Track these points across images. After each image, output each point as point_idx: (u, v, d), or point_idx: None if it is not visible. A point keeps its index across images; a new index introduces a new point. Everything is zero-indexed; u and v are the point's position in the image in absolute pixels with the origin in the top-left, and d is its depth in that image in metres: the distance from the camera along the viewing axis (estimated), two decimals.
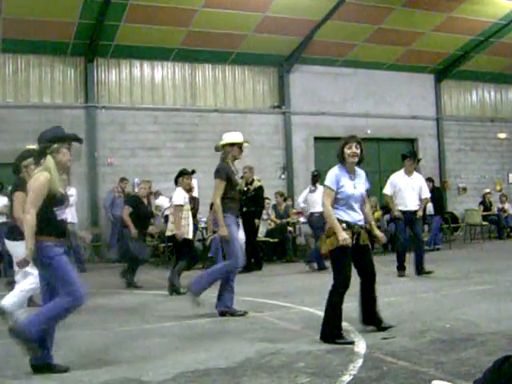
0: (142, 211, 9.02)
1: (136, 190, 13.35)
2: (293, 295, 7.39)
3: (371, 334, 4.96)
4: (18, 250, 5.34)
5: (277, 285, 8.63)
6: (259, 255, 10.96)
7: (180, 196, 7.89)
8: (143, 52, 13.82)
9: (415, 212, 8.80)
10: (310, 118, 15.42)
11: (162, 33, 13.24)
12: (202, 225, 11.84)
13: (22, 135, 12.53)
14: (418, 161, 9.24)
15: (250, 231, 10.29)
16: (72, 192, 11.42)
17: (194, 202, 11.22)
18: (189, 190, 8.24)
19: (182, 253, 7.92)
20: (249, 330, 5.45)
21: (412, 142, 16.90)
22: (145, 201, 9.21)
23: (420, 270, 8.73)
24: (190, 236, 8.10)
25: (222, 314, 6.05)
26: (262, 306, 6.12)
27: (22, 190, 5.20)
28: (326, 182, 4.89)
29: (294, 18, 13.48)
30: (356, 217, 4.92)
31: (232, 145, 6.17)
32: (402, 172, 8.99)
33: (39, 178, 4.06)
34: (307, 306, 6.42)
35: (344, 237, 4.69)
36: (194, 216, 11.30)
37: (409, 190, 8.81)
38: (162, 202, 12.42)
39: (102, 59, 13.72)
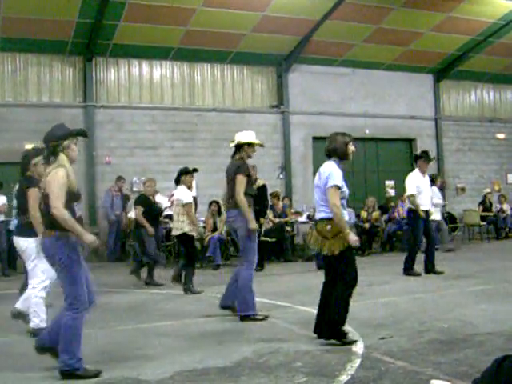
0: (152, 210, 9.07)
1: (134, 188, 13.37)
2: (291, 295, 7.39)
3: (369, 334, 4.96)
4: (30, 246, 5.34)
5: (274, 284, 8.62)
6: (262, 255, 11.02)
7: (187, 194, 7.85)
8: (142, 51, 13.79)
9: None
10: (309, 118, 15.40)
11: (161, 32, 13.21)
12: (201, 224, 11.83)
13: (21, 134, 12.50)
14: (430, 160, 9.21)
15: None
16: None
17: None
18: (188, 188, 8.23)
19: (192, 250, 7.88)
20: (246, 329, 5.45)
21: (410, 142, 16.89)
22: (152, 199, 9.23)
23: (431, 269, 8.76)
24: (196, 234, 8.10)
25: (225, 308, 6.05)
26: (259, 305, 6.12)
27: (34, 186, 5.17)
28: (336, 182, 4.69)
29: (293, 17, 13.47)
30: (347, 216, 4.96)
31: (250, 144, 6.26)
32: (417, 172, 8.99)
33: (59, 174, 4.05)
34: (305, 306, 6.42)
35: (355, 238, 4.71)
36: None
37: (427, 190, 8.95)
38: (160, 200, 12.40)
39: (101, 58, 13.68)
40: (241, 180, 6.01)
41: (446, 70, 16.74)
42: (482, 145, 17.60)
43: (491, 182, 17.33)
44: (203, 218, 12.10)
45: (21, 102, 13.00)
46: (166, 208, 12.28)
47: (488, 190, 16.05)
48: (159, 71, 14.27)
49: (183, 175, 7.99)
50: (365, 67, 15.83)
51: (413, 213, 8.82)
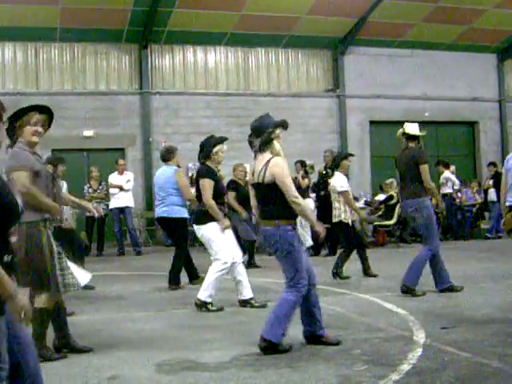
0: (243, 194, 9.01)
1: (189, 174, 13.49)
2: (348, 282, 7.26)
3: (430, 323, 4.78)
4: (210, 232, 5.69)
5: (330, 271, 8.48)
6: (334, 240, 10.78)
7: (343, 181, 7.65)
8: (196, 37, 13.84)
9: None
10: (366, 102, 15.05)
11: (215, 17, 13.21)
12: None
13: (79, 121, 12.89)
14: None
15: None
16: (129, 177, 11.64)
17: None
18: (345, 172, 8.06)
19: (351, 238, 7.80)
20: None
21: (472, 125, 16.24)
22: (242, 183, 9.22)
23: None
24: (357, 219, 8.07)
25: (448, 289, 6.07)
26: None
27: (208, 177, 5.70)
28: None
29: None
30: None
31: (416, 137, 6.31)
32: None
33: (281, 164, 4.19)
34: (363, 293, 6.29)
35: None
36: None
37: None
38: None
39: (156, 45, 13.85)
40: (427, 169, 6.08)
41: (511, 48, 15.93)
42: None
43: None
44: None
45: (79, 91, 13.36)
46: None
47: None
48: (214, 57, 14.30)
49: (343, 159, 7.81)
50: (424, 48, 15.29)
51: None
